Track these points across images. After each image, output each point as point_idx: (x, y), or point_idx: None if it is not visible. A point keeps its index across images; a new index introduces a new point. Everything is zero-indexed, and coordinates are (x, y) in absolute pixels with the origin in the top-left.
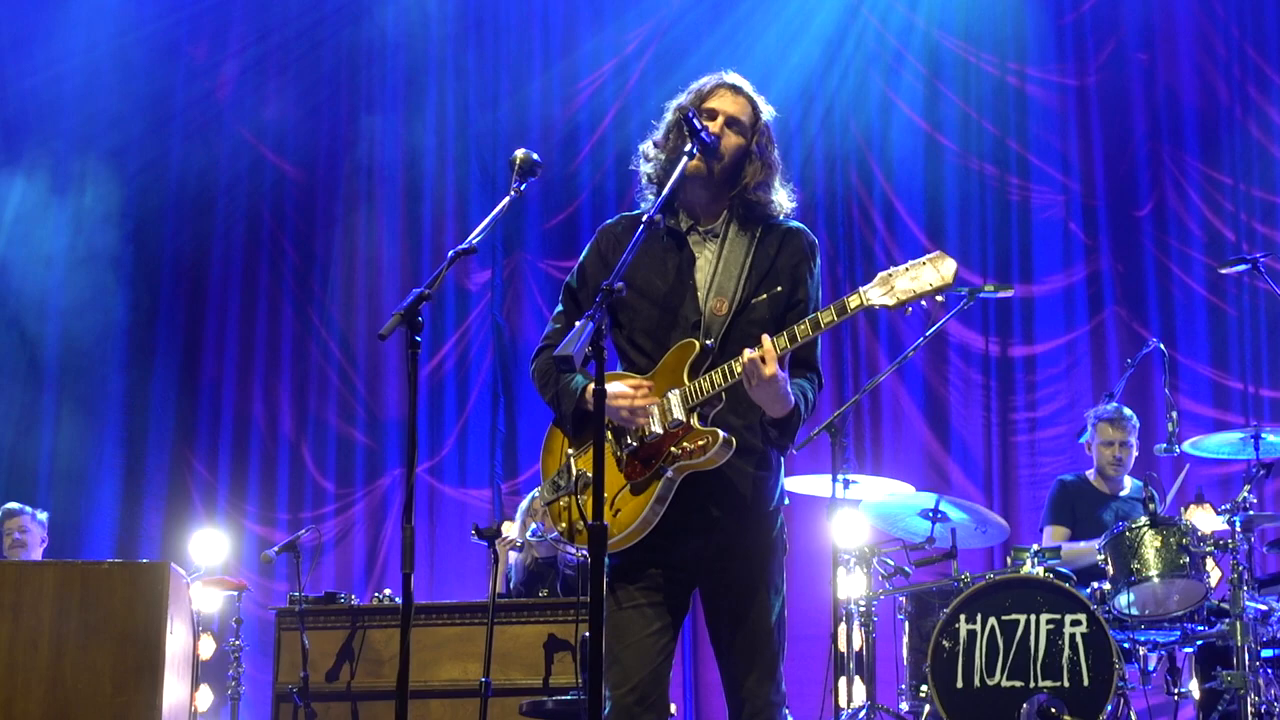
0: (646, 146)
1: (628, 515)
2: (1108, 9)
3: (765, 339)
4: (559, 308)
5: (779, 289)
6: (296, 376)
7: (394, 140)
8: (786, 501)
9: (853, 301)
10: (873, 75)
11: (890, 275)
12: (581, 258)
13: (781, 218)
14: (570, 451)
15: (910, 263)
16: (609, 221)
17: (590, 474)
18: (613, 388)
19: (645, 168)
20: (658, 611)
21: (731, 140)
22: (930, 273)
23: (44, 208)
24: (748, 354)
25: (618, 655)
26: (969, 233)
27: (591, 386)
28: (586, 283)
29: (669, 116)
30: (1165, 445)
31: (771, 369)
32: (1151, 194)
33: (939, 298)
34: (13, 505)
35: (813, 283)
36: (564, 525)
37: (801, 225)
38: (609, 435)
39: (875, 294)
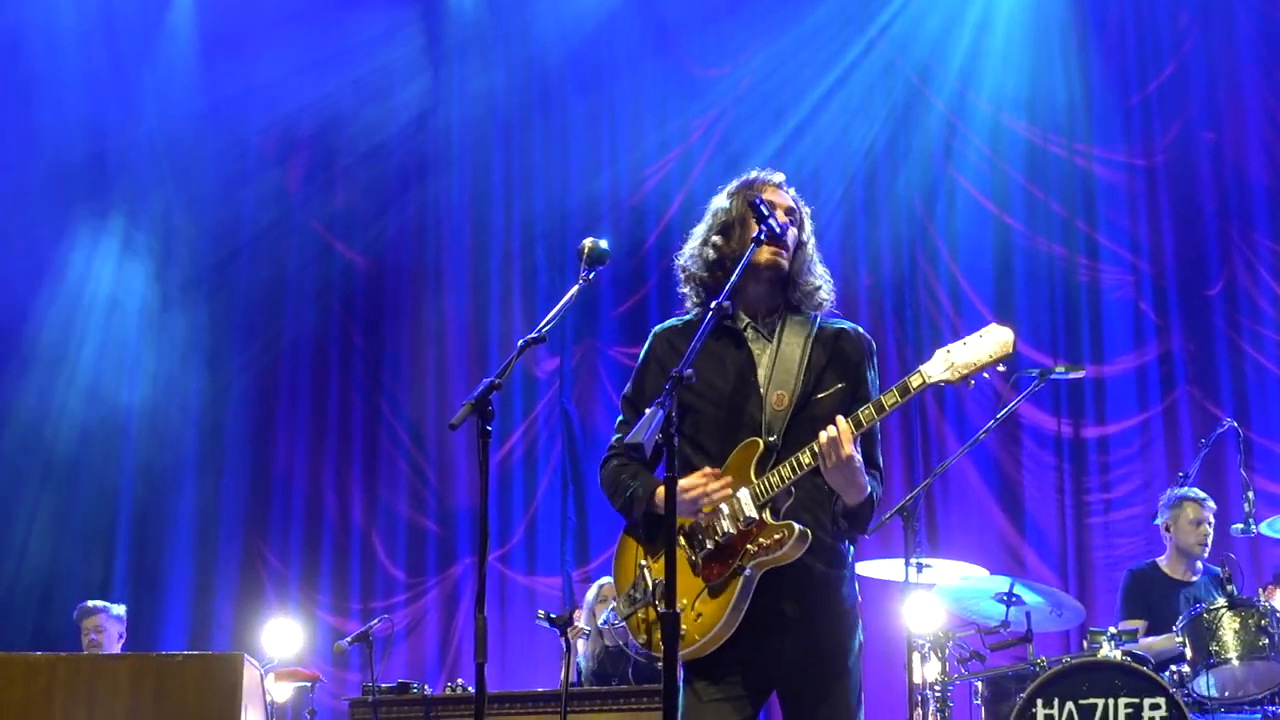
0: (693, 245)
1: (710, 618)
2: (1174, 89)
3: (840, 419)
4: (619, 417)
5: (840, 386)
6: (367, 466)
7: (461, 228)
8: (860, 600)
9: (914, 381)
10: (937, 157)
11: (949, 351)
12: (637, 367)
13: (832, 311)
14: (643, 562)
15: (968, 337)
16: (660, 327)
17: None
18: (684, 481)
19: (694, 264)
20: (735, 706)
21: (792, 233)
22: (989, 344)
23: (116, 299)
24: (824, 435)
25: None
26: (1038, 313)
27: (660, 489)
28: (644, 390)
29: (723, 210)
30: (1243, 526)
31: (848, 449)
32: (1222, 272)
33: (1000, 368)
34: (88, 604)
35: (873, 379)
36: (644, 638)
37: (857, 325)
38: (682, 540)
39: (935, 371)
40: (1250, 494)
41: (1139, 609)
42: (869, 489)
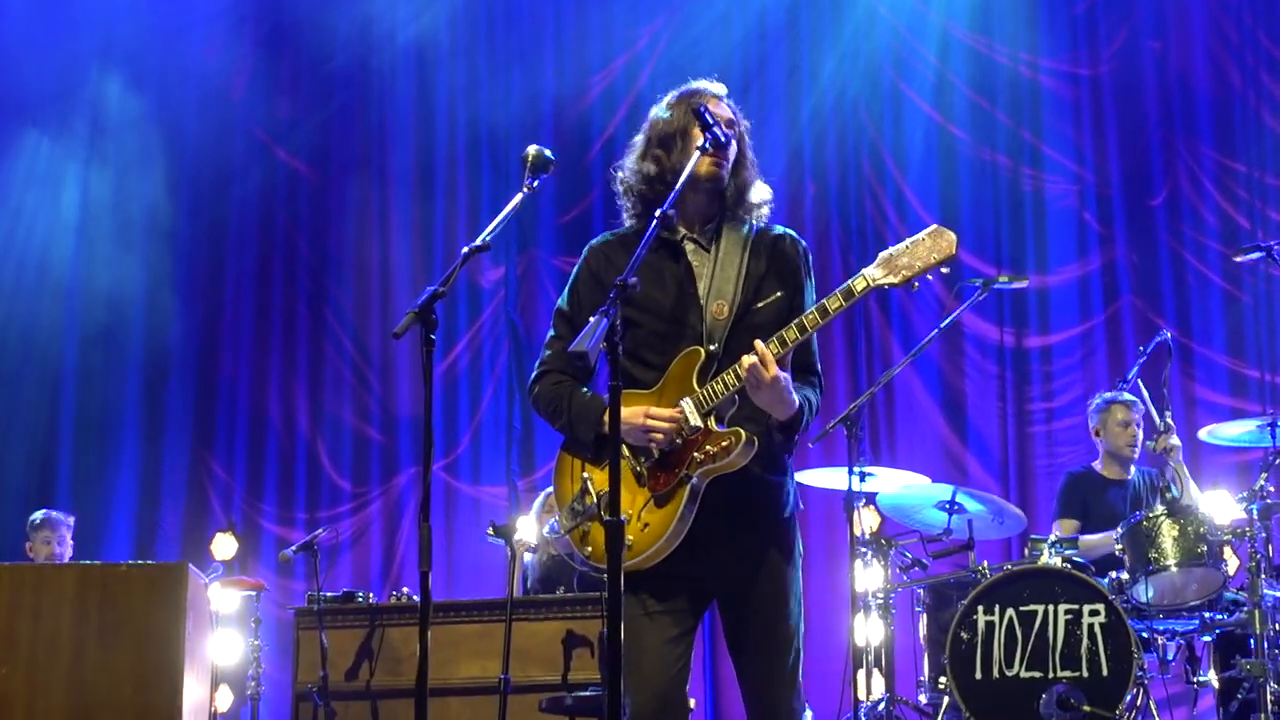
0: (632, 158)
1: (657, 527)
2: None
3: (758, 344)
4: (551, 333)
5: (779, 294)
6: (312, 375)
7: (406, 137)
8: (801, 507)
9: (858, 284)
10: (884, 67)
11: (891, 255)
12: (571, 280)
13: (769, 222)
14: (586, 475)
15: (909, 239)
16: (596, 240)
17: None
18: (633, 409)
19: (634, 177)
20: (676, 618)
21: (731, 146)
22: (931, 245)
23: (59, 207)
24: (746, 360)
25: (636, 661)
26: (983, 223)
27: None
28: (580, 305)
29: (664, 121)
30: (1152, 443)
31: (771, 371)
32: (1165, 183)
33: (944, 269)
34: (50, 515)
35: (810, 286)
36: (589, 550)
37: (792, 231)
38: (626, 451)
39: (878, 274)
40: (1168, 412)
41: (1074, 509)
42: (797, 402)
